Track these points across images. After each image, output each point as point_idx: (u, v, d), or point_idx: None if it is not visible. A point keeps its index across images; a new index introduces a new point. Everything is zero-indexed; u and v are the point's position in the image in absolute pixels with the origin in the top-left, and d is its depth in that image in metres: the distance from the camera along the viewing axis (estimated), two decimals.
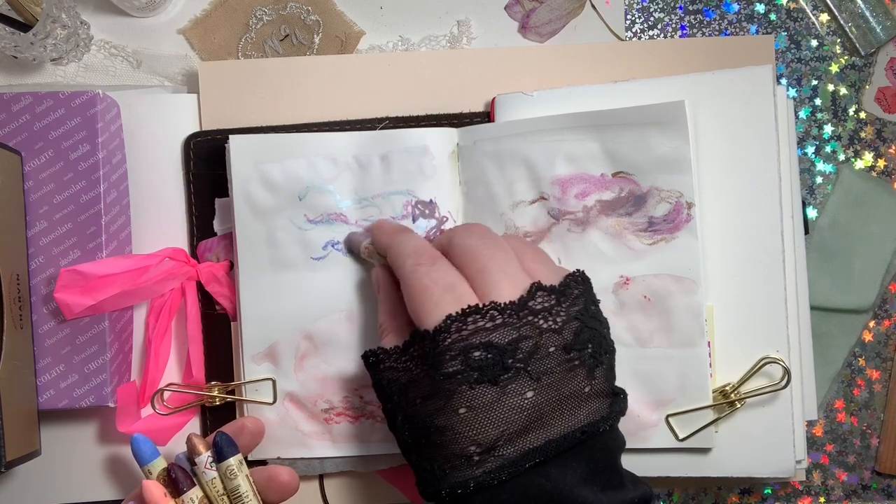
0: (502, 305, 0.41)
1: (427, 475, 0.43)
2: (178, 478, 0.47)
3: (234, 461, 0.48)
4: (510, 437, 0.40)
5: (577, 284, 0.45)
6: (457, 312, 0.41)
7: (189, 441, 0.48)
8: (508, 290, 0.42)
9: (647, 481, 0.44)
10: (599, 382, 0.42)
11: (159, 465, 0.48)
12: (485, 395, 0.40)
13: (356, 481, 0.57)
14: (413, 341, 0.43)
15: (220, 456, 0.48)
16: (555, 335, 0.41)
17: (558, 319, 0.42)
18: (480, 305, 0.41)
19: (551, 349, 0.41)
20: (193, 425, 0.56)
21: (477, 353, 0.40)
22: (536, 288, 0.42)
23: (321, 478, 0.57)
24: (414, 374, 0.43)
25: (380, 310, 0.49)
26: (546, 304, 0.42)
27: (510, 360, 0.40)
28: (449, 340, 0.41)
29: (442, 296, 0.42)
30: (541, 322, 0.41)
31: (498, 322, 0.41)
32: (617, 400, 0.43)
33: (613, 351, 0.45)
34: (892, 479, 0.61)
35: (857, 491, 0.61)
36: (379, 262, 0.51)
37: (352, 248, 0.54)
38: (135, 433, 0.48)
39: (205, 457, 0.48)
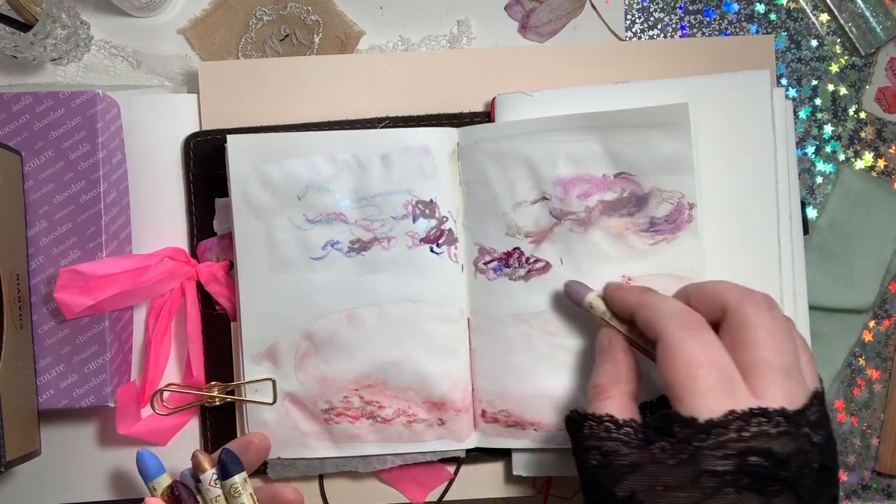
0: (790, 413, 0.39)
1: None
2: (182, 495, 0.47)
3: (238, 479, 0.48)
4: None
5: (823, 393, 0.43)
6: (742, 411, 0.39)
7: (194, 458, 0.48)
8: (787, 394, 0.40)
9: None
10: (835, 496, 0.41)
11: (164, 481, 0.48)
12: (749, 502, 0.38)
13: (356, 481, 0.57)
14: (666, 424, 0.40)
15: (225, 473, 0.48)
16: (819, 450, 0.40)
17: (822, 433, 0.40)
18: (770, 409, 0.39)
19: (815, 465, 0.39)
20: (193, 425, 0.57)
21: (754, 459, 0.38)
22: (813, 396, 0.40)
23: (321, 478, 0.56)
24: (657, 457, 0.40)
25: (599, 370, 0.46)
26: (816, 417, 0.40)
27: (783, 473, 0.38)
28: (726, 438, 0.38)
29: (715, 385, 0.39)
30: (813, 436, 0.39)
31: (781, 430, 0.39)
32: None
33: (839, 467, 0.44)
34: (892, 479, 0.61)
35: (857, 491, 0.61)
36: (604, 320, 0.49)
37: (573, 297, 0.51)
38: (140, 449, 0.48)
39: (209, 474, 0.48)
